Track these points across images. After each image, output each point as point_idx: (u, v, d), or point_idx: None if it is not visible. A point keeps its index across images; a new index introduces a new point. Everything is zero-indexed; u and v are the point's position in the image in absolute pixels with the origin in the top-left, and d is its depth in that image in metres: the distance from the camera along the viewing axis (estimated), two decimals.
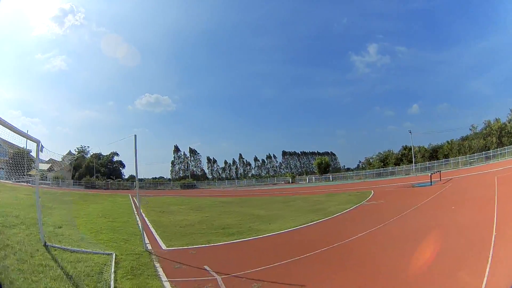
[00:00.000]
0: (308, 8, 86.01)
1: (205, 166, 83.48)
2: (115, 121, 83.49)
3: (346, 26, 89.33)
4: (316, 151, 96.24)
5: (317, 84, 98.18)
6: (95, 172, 63.74)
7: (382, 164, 57.21)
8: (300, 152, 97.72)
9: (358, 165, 78.62)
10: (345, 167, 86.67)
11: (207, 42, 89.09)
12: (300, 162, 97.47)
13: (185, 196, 33.84)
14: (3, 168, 16.12)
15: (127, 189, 53.67)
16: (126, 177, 69.51)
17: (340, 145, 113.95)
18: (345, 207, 14.75)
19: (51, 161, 17.07)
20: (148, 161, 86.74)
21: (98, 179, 61.19)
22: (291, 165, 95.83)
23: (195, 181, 63.23)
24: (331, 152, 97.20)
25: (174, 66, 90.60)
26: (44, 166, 21.55)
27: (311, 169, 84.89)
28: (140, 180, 64.77)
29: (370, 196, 19.17)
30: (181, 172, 79.95)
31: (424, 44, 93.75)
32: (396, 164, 53.71)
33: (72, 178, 56.68)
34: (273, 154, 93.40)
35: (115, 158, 72.41)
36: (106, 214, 14.47)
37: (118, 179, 65.31)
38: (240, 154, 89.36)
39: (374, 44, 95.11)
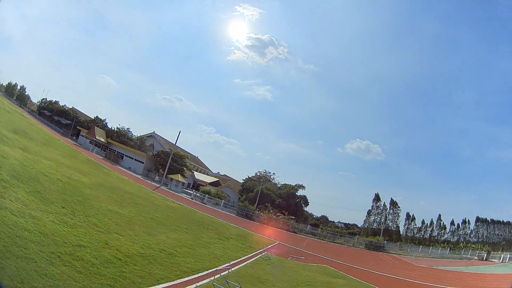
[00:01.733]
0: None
1: (402, 222, 72.72)
2: (321, 160, 79.57)
3: None
4: None
5: None
6: (270, 204, 49.49)
7: None
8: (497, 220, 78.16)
9: None
10: None
11: (415, 90, 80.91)
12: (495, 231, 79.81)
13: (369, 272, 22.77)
14: None
15: (311, 233, 44.06)
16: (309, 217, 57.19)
17: None
18: None
19: None
20: (345, 205, 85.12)
21: (270, 213, 46.66)
22: (483, 235, 77.67)
23: (385, 241, 50.03)
24: None
25: (385, 114, 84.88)
26: None
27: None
28: (329, 222, 58.49)
29: None
30: (375, 224, 71.02)
31: None
32: None
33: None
34: (468, 219, 75.92)
35: (300, 192, 56.53)
36: None
37: (301, 218, 51.82)
38: (439, 215, 75.50)
39: None
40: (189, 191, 47.72)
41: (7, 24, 77.41)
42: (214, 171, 68.03)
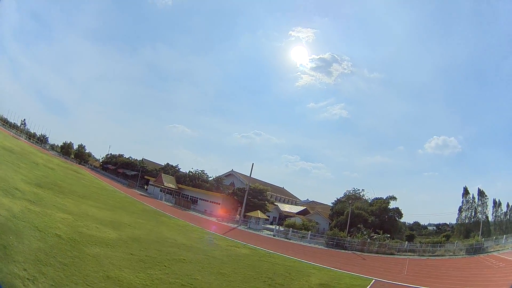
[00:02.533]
0: None
1: (490, 211, 63.40)
2: (403, 165, 78.92)
3: None
4: None
5: None
6: (362, 225, 43.51)
7: None
8: None
9: None
10: None
11: (476, 71, 76.68)
12: None
13: None
14: None
15: (410, 251, 37.07)
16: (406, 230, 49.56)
17: None
18: None
19: None
20: (431, 206, 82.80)
21: (360, 235, 39.92)
22: None
23: (483, 239, 42.66)
24: None
25: (452, 104, 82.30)
26: None
27: None
28: (419, 227, 53.77)
29: None
30: (466, 220, 68.63)
31: None
32: None
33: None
34: None
35: (392, 204, 49.57)
36: None
37: (396, 234, 44.20)
38: None
39: None
40: (271, 227, 43.88)
41: (54, 90, 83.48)
42: (303, 198, 65.27)
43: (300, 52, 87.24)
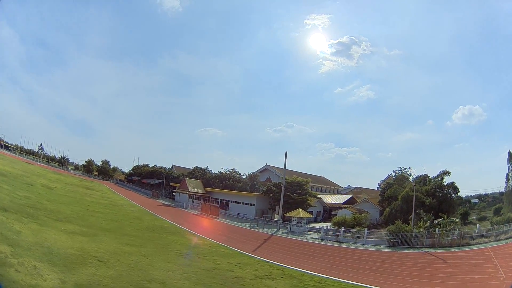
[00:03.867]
0: None
1: None
2: (435, 140, 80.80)
3: None
4: None
5: None
6: (414, 206, 34.49)
7: None
8: None
9: None
10: None
11: (490, 31, 77.05)
12: None
13: None
14: None
15: (475, 239, 28.48)
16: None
17: None
18: None
19: None
20: (464, 178, 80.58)
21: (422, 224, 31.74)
22: None
23: None
24: None
25: (471, 71, 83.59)
26: None
27: None
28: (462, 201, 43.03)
29: None
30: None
31: None
32: None
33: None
34: None
35: (447, 179, 40.99)
36: None
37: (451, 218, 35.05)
38: None
39: None
40: (317, 226, 36.98)
41: (76, 112, 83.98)
42: (344, 185, 62.72)
43: (318, 39, 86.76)
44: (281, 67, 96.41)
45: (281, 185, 38.08)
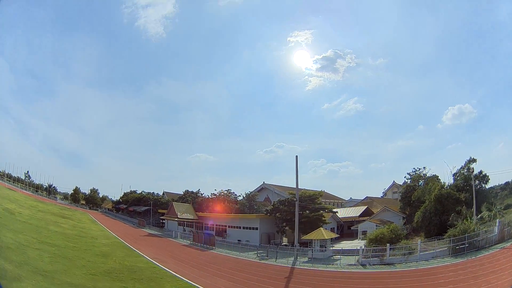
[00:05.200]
0: None
1: None
2: (427, 144, 79.02)
3: None
4: None
5: None
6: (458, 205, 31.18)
7: None
8: None
9: None
10: None
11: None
12: None
13: None
14: None
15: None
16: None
17: None
18: None
19: None
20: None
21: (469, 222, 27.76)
22: None
23: None
24: None
25: (458, 71, 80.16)
26: None
27: None
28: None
29: None
30: None
31: None
32: None
33: None
34: None
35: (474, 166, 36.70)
36: None
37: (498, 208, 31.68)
38: None
39: None
40: (347, 249, 29.37)
41: (67, 143, 79.49)
42: (346, 198, 59.06)
43: (302, 56, 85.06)
44: (267, 87, 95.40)
45: (291, 200, 29.83)
